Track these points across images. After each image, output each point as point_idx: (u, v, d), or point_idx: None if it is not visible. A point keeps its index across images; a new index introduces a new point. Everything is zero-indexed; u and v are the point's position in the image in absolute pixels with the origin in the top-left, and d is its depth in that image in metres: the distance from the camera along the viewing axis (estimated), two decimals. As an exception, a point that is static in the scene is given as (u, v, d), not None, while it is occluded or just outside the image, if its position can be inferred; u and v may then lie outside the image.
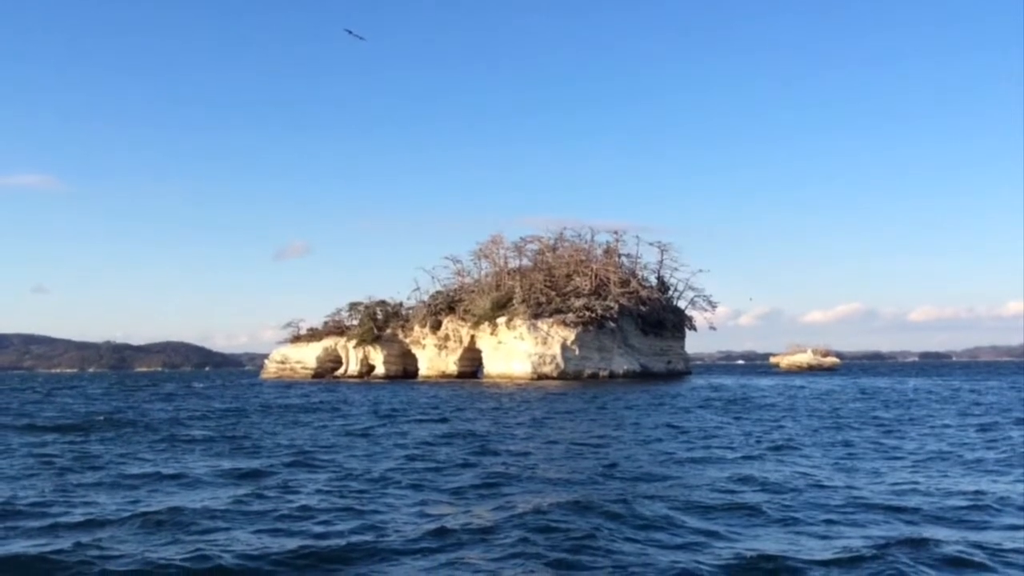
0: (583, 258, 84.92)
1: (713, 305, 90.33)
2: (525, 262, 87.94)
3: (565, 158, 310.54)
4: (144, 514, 11.63)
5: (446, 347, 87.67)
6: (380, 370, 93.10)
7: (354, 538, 10.25)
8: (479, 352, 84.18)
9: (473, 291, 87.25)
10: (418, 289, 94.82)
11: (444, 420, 29.78)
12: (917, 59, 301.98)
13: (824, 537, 10.35)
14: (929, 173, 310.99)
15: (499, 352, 79.18)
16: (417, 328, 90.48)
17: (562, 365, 74.82)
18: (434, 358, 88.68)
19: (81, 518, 11.56)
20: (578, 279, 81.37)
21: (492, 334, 79.93)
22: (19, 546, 9.92)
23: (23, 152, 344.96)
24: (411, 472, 16.01)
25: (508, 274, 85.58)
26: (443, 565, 9.07)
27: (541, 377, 73.46)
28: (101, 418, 31.90)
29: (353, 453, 19.57)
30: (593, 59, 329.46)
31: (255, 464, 17.45)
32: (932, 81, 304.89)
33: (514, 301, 79.09)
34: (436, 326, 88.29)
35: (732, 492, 13.46)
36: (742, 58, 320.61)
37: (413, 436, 23.56)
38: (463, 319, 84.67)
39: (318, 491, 13.85)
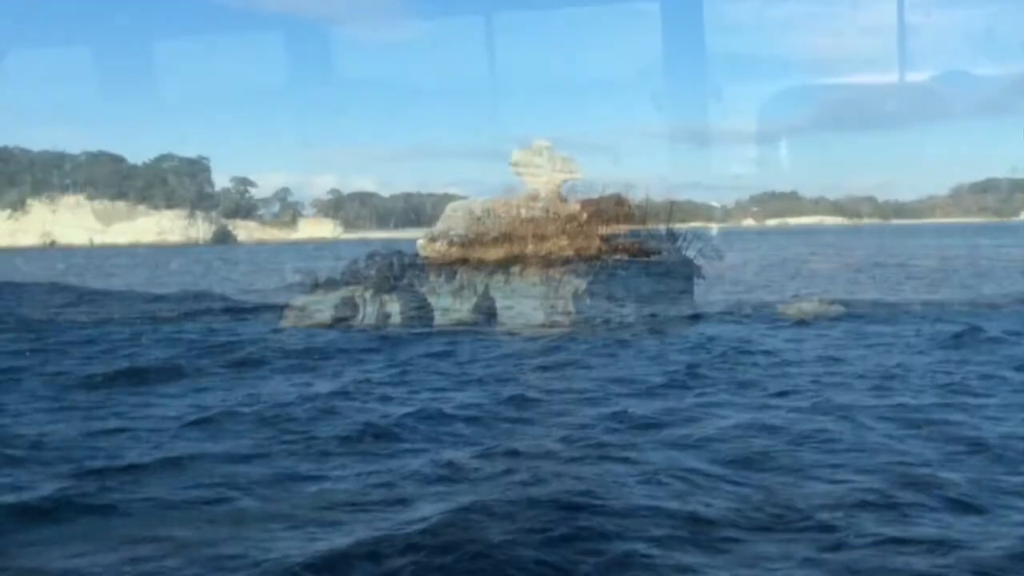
0: (594, 207, 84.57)
1: (721, 255, 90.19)
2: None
3: (575, 108, 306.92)
4: (167, 459, 11.91)
5: (460, 296, 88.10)
6: (396, 319, 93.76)
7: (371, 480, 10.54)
8: (493, 300, 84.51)
9: (487, 240, 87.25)
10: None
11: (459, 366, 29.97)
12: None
13: (831, 481, 10.54)
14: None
15: (512, 300, 79.49)
16: (432, 277, 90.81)
17: (574, 313, 75.06)
18: (449, 307, 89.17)
19: (106, 462, 11.84)
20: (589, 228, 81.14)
21: (505, 283, 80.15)
22: (46, 489, 10.23)
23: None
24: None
25: (521, 223, 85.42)
26: (458, 509, 9.32)
27: (553, 325, 73.81)
28: (126, 364, 32.31)
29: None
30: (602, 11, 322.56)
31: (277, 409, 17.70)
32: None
33: (527, 250, 79.06)
34: (451, 276, 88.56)
35: (739, 437, 13.64)
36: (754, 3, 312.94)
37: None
38: (477, 268, 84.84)
39: (336, 436, 14.12)
